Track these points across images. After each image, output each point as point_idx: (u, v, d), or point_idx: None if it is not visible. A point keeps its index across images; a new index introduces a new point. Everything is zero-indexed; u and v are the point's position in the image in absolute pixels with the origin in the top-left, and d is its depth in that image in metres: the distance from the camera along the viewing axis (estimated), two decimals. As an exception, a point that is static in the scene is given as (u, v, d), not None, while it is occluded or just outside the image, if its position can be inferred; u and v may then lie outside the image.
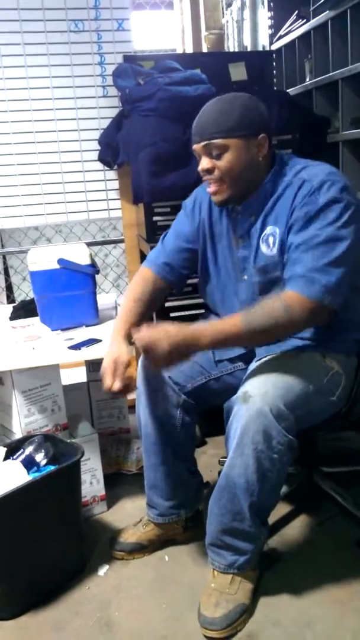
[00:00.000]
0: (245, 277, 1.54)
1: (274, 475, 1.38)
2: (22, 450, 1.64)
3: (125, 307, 1.62)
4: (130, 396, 1.70)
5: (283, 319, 1.32)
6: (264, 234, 1.46)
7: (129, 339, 1.55)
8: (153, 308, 1.70)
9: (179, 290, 1.77)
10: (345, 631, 1.40)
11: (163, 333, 1.32)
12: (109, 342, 1.56)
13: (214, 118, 1.41)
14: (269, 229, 1.45)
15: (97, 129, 2.54)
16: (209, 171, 1.44)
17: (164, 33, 4.07)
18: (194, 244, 1.64)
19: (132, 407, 1.83)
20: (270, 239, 1.45)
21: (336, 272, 1.33)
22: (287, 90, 2.74)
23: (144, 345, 1.32)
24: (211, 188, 1.47)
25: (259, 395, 1.33)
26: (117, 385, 1.45)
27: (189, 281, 2.26)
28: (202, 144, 1.42)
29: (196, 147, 1.45)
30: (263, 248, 1.47)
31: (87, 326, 1.96)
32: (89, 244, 2.20)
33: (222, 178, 1.43)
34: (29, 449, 1.63)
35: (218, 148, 1.41)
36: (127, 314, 1.61)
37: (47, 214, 2.60)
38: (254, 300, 1.50)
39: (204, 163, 1.44)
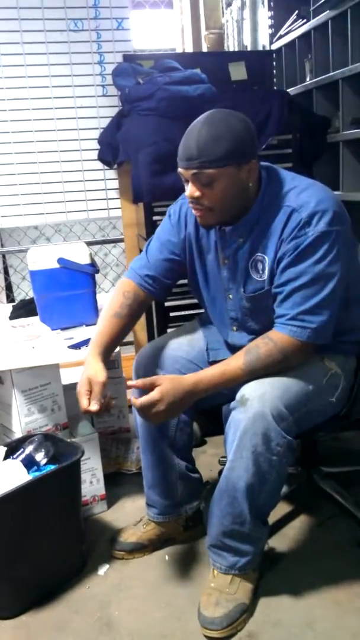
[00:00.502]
0: (231, 296, 1.52)
1: (274, 476, 1.38)
2: (22, 449, 1.64)
3: (102, 325, 1.57)
4: (130, 395, 1.69)
5: (279, 360, 1.37)
6: (252, 259, 1.43)
7: (104, 360, 1.52)
8: (133, 322, 1.62)
9: (162, 300, 1.75)
10: (346, 632, 1.40)
11: (159, 396, 1.35)
12: (85, 363, 1.51)
13: (203, 145, 1.30)
14: (257, 255, 1.42)
15: (97, 128, 2.54)
16: (197, 199, 1.35)
17: (163, 32, 4.06)
18: (179, 255, 1.58)
19: (131, 407, 1.82)
20: (259, 265, 1.42)
21: (326, 312, 1.35)
22: (287, 90, 2.74)
23: (140, 411, 1.37)
24: (197, 213, 1.40)
25: (256, 398, 1.33)
26: (93, 407, 1.42)
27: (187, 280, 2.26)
28: (192, 172, 1.33)
29: (183, 172, 1.36)
30: (252, 274, 1.44)
31: (87, 325, 1.96)
32: (89, 243, 2.20)
33: (210, 207, 1.36)
34: (29, 449, 1.63)
35: (208, 177, 1.32)
36: (103, 334, 1.55)
37: (47, 213, 2.60)
38: (244, 321, 1.52)
39: (192, 191, 1.35)
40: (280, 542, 1.72)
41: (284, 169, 1.47)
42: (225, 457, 1.42)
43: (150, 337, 2.58)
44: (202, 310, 1.74)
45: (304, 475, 1.89)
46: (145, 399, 1.36)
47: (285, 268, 1.36)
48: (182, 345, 1.65)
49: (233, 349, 1.61)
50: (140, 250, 2.57)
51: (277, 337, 1.37)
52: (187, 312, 2.24)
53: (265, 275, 1.41)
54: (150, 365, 1.61)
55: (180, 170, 1.37)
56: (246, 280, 1.46)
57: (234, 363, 1.39)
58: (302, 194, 1.37)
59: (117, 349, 1.77)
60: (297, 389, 1.37)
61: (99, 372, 1.47)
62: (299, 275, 1.34)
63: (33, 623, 1.49)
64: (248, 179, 1.36)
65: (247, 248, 1.43)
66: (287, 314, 1.36)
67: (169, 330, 2.22)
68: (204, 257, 1.56)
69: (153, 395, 1.36)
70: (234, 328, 1.57)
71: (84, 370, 1.49)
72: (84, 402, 1.44)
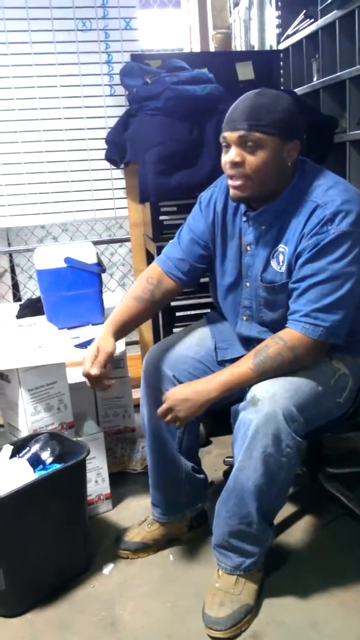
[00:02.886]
0: (248, 284, 1.52)
1: (283, 477, 1.38)
2: (28, 448, 1.64)
3: (123, 304, 1.60)
4: (137, 395, 1.70)
5: (289, 359, 1.36)
6: (275, 249, 1.43)
7: (116, 338, 1.55)
8: (154, 309, 1.64)
9: (190, 287, 1.74)
10: (351, 633, 1.39)
11: (168, 395, 1.44)
12: (97, 337, 1.56)
13: (256, 109, 1.31)
14: (280, 247, 1.42)
15: (104, 128, 2.54)
16: (237, 164, 1.34)
17: (171, 32, 4.06)
18: (207, 240, 1.59)
19: (137, 406, 1.83)
20: (281, 257, 1.42)
21: (341, 312, 1.35)
22: (295, 90, 2.73)
23: (169, 407, 1.43)
24: (235, 182, 1.37)
25: (267, 399, 1.33)
26: (94, 370, 1.46)
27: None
28: (239, 133, 1.31)
29: (229, 135, 1.34)
30: (273, 264, 1.44)
31: (93, 325, 1.96)
32: (96, 243, 2.20)
33: (249, 175, 1.34)
34: (35, 447, 1.64)
35: (255, 141, 1.31)
36: (119, 314, 1.58)
37: (54, 212, 2.60)
38: (257, 311, 1.51)
39: (234, 155, 1.33)
40: (285, 542, 1.72)
41: (317, 165, 1.47)
42: (230, 457, 1.42)
43: (156, 337, 2.58)
44: (208, 310, 1.74)
45: (309, 476, 1.89)
46: (160, 409, 1.45)
47: (304, 264, 1.36)
48: (190, 345, 1.65)
49: (242, 341, 1.62)
50: (147, 250, 2.58)
51: (288, 336, 1.37)
52: (193, 312, 2.24)
53: (284, 268, 1.42)
54: (159, 365, 1.61)
55: (224, 134, 1.36)
56: (265, 269, 1.46)
57: (244, 364, 1.39)
58: (330, 191, 1.37)
59: (123, 349, 1.77)
60: (307, 390, 1.37)
61: (109, 343, 1.52)
62: (317, 272, 1.34)
63: (38, 621, 1.50)
64: (288, 158, 1.36)
65: (270, 237, 1.44)
66: (301, 311, 1.36)
67: (175, 330, 2.22)
68: (226, 243, 1.56)
69: (166, 394, 1.44)
70: (245, 317, 1.56)
71: (95, 341, 1.54)
72: (86, 365, 1.47)
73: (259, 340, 1.46)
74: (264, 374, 1.37)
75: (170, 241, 1.67)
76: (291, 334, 1.36)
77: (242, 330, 1.59)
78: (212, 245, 1.59)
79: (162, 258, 1.63)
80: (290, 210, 1.40)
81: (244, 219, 1.50)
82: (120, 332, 1.57)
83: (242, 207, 1.50)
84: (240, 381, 1.39)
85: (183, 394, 1.41)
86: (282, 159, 1.35)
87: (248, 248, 1.50)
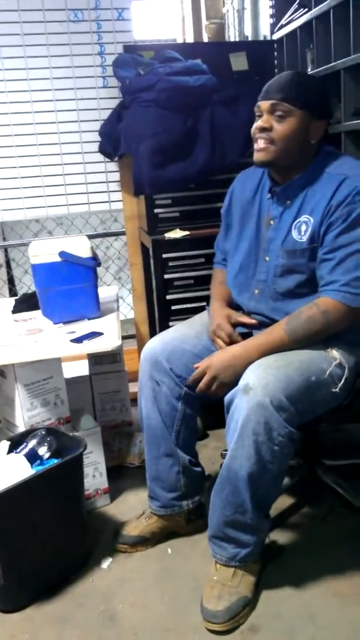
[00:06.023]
0: (267, 258, 1.56)
1: (275, 466, 1.38)
2: (25, 443, 1.64)
3: (214, 290, 1.77)
4: (133, 389, 1.69)
5: (321, 323, 1.41)
6: (297, 220, 1.49)
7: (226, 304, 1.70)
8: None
9: None
10: (348, 623, 1.40)
11: (207, 362, 1.48)
12: (211, 314, 1.68)
13: (290, 84, 1.45)
14: (303, 217, 1.48)
15: (98, 120, 2.53)
16: (265, 129, 1.46)
17: (164, 22, 4.03)
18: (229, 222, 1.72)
19: (134, 400, 1.83)
20: (303, 227, 1.48)
21: None
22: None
23: (213, 376, 1.45)
24: (260, 144, 1.48)
25: (259, 387, 1.33)
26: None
27: (189, 274, 2.26)
28: (271, 101, 1.45)
29: (262, 104, 1.48)
30: (294, 234, 1.50)
31: (88, 319, 1.95)
32: (90, 237, 2.19)
33: (274, 140, 1.46)
34: (32, 443, 1.63)
35: (284, 111, 1.44)
36: (219, 294, 1.73)
37: (48, 206, 2.59)
38: (271, 282, 1.55)
39: (263, 121, 1.47)
40: (282, 534, 1.72)
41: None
42: (227, 450, 1.42)
43: (152, 330, 2.58)
44: (204, 303, 1.74)
45: (306, 468, 1.89)
46: (193, 374, 1.50)
47: (339, 234, 1.41)
48: (189, 338, 1.65)
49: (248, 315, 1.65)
50: (142, 243, 2.57)
51: (322, 302, 1.42)
52: (188, 305, 2.24)
53: (306, 237, 1.47)
54: (157, 358, 1.61)
55: (259, 103, 1.50)
56: (286, 239, 1.51)
57: (278, 328, 1.45)
58: (355, 165, 1.48)
59: (119, 343, 1.76)
60: (300, 380, 1.38)
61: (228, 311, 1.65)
62: (352, 242, 1.40)
63: (37, 616, 1.50)
64: (312, 136, 1.48)
65: (294, 210, 1.51)
66: (340, 280, 1.41)
67: (170, 323, 2.22)
68: (244, 222, 1.65)
69: (201, 366, 1.48)
70: (257, 291, 1.59)
71: (212, 319, 1.65)
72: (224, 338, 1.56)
73: (265, 324, 1.53)
74: (297, 338, 1.42)
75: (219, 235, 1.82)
76: (325, 301, 1.42)
77: (251, 305, 1.62)
78: (229, 219, 1.71)
79: (216, 264, 1.84)
80: (314, 183, 1.48)
81: (268, 196, 1.57)
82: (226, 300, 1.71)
83: (267, 185, 1.59)
84: (275, 345, 1.43)
85: (224, 361, 1.45)
86: (306, 134, 1.47)
87: (271, 222, 1.56)
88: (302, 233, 1.48)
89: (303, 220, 1.48)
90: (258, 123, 1.48)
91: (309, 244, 1.46)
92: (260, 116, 1.49)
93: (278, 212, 1.54)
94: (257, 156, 1.50)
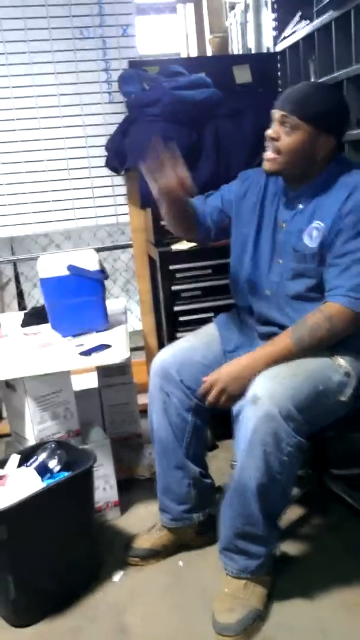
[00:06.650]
0: (280, 261, 1.57)
1: (284, 477, 1.38)
2: (35, 457, 1.65)
3: None
4: (142, 400, 1.69)
5: (326, 328, 1.42)
6: (309, 226, 1.50)
7: None
8: (185, 211, 1.68)
9: (201, 239, 1.79)
10: (359, 637, 1.39)
11: (216, 375, 1.48)
12: None
13: (303, 97, 1.47)
14: (315, 223, 1.49)
15: (104, 135, 2.55)
16: (273, 139, 1.49)
17: (168, 37, 4.08)
18: (228, 212, 1.70)
19: (143, 412, 1.83)
20: (314, 233, 1.49)
21: None
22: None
23: (222, 388, 1.46)
24: (267, 153, 1.51)
25: (267, 397, 1.33)
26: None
27: (196, 285, 2.26)
28: (281, 112, 1.48)
29: (275, 112, 1.50)
30: (305, 239, 1.50)
31: (97, 332, 1.96)
32: (98, 250, 2.21)
33: (280, 151, 1.48)
34: (42, 456, 1.64)
35: (292, 124, 1.46)
36: None
37: (56, 220, 2.61)
38: (283, 285, 1.55)
39: (272, 131, 1.50)
40: (292, 545, 1.71)
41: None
42: (236, 461, 1.42)
43: (160, 342, 2.58)
44: (212, 314, 1.74)
45: (315, 478, 1.88)
46: (201, 388, 1.51)
47: (347, 241, 1.43)
48: (198, 350, 1.65)
49: (260, 336, 1.64)
50: (149, 256, 2.58)
51: (327, 307, 1.44)
52: (196, 317, 2.24)
53: (317, 242, 1.48)
54: (167, 369, 1.61)
55: (273, 110, 1.51)
56: (297, 243, 1.52)
57: (284, 336, 1.46)
58: None
59: (128, 355, 1.76)
60: (308, 389, 1.38)
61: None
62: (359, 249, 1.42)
63: (49, 630, 1.50)
64: (319, 150, 1.49)
65: (306, 215, 1.52)
66: (345, 285, 1.42)
67: (178, 334, 2.22)
68: (260, 223, 1.64)
69: (209, 380, 1.49)
70: (268, 292, 1.60)
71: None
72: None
73: (272, 333, 1.53)
74: (303, 345, 1.43)
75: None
76: (330, 306, 1.43)
77: (262, 309, 1.62)
78: (231, 215, 1.70)
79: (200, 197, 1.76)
80: (327, 190, 1.50)
81: (284, 199, 1.59)
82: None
83: (281, 187, 1.60)
84: (281, 354, 1.44)
85: (232, 373, 1.46)
86: (313, 148, 1.48)
87: (283, 225, 1.57)
88: (313, 238, 1.49)
89: (314, 226, 1.49)
90: (268, 132, 1.51)
91: (318, 249, 1.48)
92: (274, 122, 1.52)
93: (290, 215, 1.56)
94: (265, 165, 1.54)
